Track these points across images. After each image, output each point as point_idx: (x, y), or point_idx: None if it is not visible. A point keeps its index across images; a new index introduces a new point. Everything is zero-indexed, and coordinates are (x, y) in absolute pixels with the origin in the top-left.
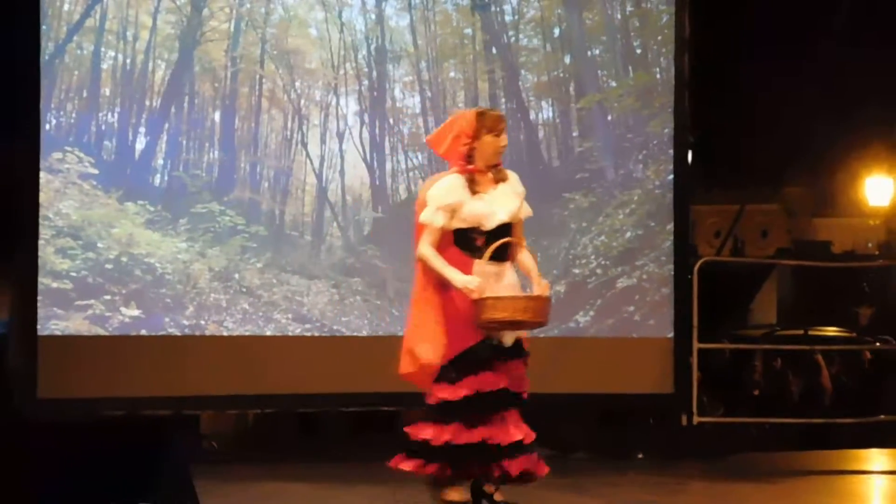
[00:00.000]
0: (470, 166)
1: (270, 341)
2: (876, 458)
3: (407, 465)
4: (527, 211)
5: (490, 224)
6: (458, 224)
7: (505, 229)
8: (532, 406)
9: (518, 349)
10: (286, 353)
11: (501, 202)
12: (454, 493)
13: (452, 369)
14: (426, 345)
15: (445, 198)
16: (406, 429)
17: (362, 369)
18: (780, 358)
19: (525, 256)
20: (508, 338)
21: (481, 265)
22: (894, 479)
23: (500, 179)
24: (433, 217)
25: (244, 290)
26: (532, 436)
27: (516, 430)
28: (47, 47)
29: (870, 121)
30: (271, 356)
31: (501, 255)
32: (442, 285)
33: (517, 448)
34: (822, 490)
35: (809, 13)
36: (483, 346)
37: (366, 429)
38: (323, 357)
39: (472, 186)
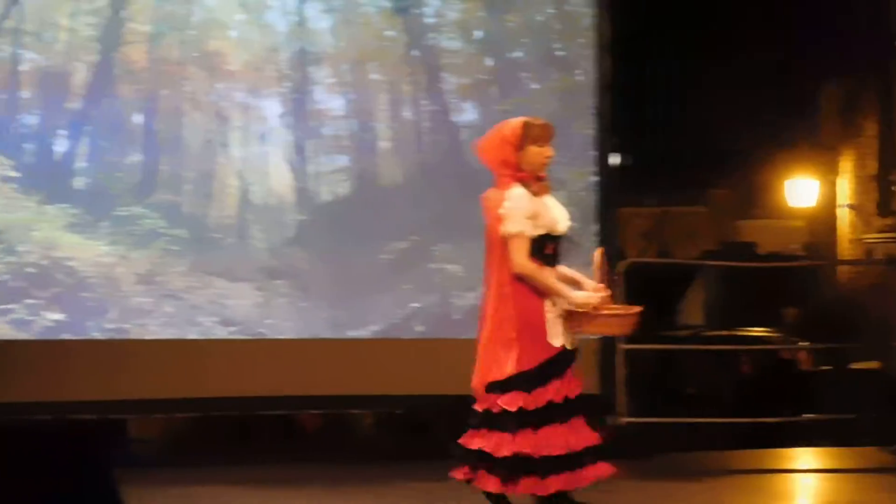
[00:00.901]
0: (521, 174)
1: (195, 345)
2: (801, 456)
3: (493, 486)
4: None
5: (561, 229)
6: (536, 232)
7: (560, 238)
8: (458, 408)
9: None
10: (211, 356)
11: (558, 209)
12: None
13: (531, 379)
14: (509, 356)
15: (527, 206)
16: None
17: (288, 372)
18: (707, 359)
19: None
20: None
21: (553, 272)
22: (819, 478)
23: (547, 190)
24: (524, 226)
25: (168, 293)
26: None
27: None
28: None
29: (793, 122)
30: (196, 359)
31: (555, 262)
32: (521, 296)
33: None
34: (749, 489)
35: (732, 16)
36: (562, 356)
37: (293, 431)
38: (248, 360)
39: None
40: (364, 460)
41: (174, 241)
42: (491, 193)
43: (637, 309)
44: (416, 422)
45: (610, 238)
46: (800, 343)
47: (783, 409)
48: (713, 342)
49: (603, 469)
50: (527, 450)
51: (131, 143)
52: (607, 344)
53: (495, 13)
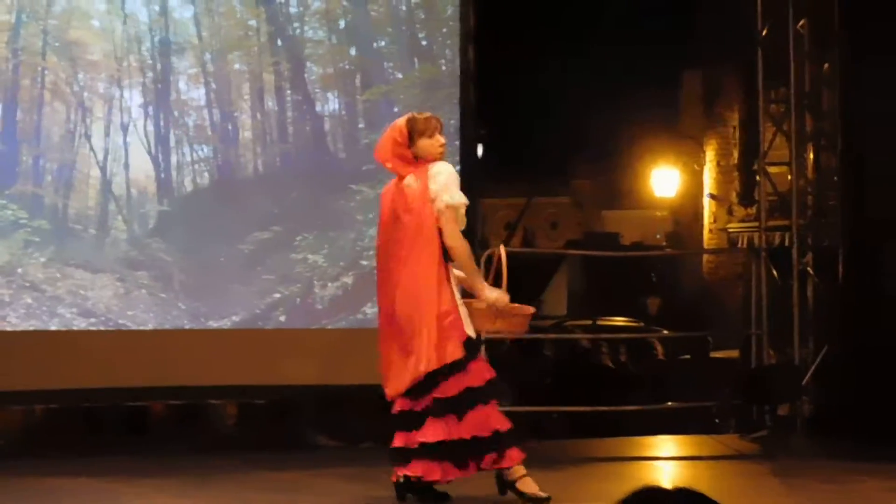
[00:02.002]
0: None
1: (55, 336)
2: (664, 444)
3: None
4: None
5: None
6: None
7: None
8: (321, 397)
9: None
10: (71, 347)
11: None
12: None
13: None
14: (449, 344)
15: (457, 177)
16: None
17: (149, 363)
18: (571, 348)
19: None
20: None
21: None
22: (681, 465)
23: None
24: (462, 196)
25: (28, 284)
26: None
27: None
28: None
29: (654, 114)
30: (56, 351)
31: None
32: (446, 288)
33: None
34: (610, 476)
35: (595, 8)
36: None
37: (151, 423)
38: (109, 351)
39: None
40: (225, 451)
41: (35, 232)
42: (405, 181)
43: (532, 309)
44: (278, 412)
45: (473, 228)
46: (662, 332)
47: (646, 397)
48: (576, 331)
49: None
50: (474, 433)
51: None
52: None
53: (359, 3)
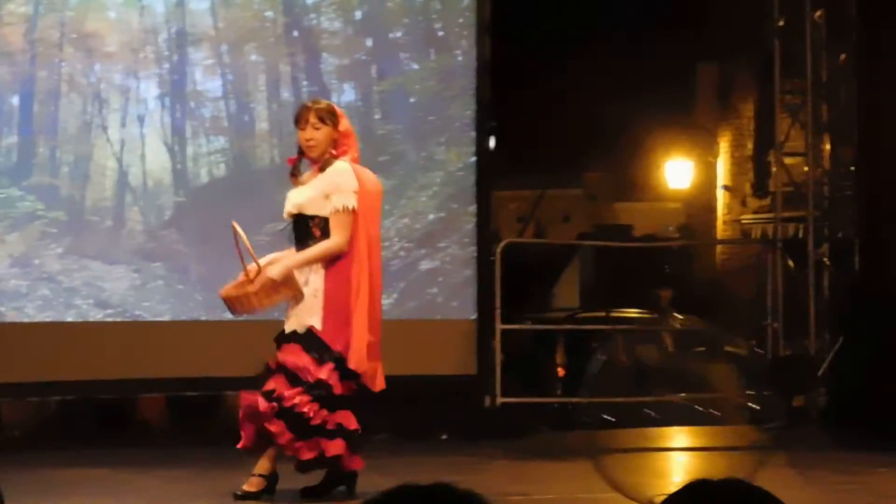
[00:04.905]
0: (292, 157)
1: (71, 327)
2: (679, 435)
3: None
4: (333, 205)
5: (284, 214)
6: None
7: (304, 220)
8: None
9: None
10: (87, 338)
11: (296, 194)
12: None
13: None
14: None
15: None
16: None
17: (164, 354)
18: (584, 339)
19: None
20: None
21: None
22: (693, 455)
23: (314, 174)
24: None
25: (44, 275)
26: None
27: None
28: None
29: (668, 105)
30: (72, 342)
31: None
32: None
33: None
34: (622, 467)
35: (607, 0)
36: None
37: (167, 414)
38: (124, 342)
39: (294, 177)
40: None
41: (51, 223)
42: None
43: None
44: None
45: (486, 220)
46: (675, 324)
47: (659, 388)
48: (589, 323)
49: None
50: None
51: (8, 125)
52: (484, 325)
53: None
